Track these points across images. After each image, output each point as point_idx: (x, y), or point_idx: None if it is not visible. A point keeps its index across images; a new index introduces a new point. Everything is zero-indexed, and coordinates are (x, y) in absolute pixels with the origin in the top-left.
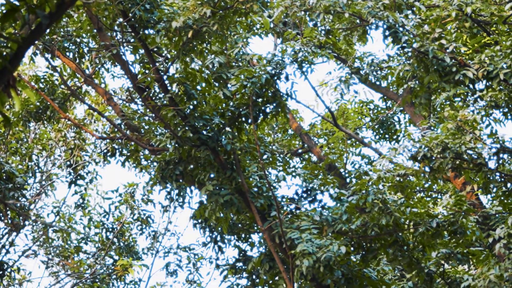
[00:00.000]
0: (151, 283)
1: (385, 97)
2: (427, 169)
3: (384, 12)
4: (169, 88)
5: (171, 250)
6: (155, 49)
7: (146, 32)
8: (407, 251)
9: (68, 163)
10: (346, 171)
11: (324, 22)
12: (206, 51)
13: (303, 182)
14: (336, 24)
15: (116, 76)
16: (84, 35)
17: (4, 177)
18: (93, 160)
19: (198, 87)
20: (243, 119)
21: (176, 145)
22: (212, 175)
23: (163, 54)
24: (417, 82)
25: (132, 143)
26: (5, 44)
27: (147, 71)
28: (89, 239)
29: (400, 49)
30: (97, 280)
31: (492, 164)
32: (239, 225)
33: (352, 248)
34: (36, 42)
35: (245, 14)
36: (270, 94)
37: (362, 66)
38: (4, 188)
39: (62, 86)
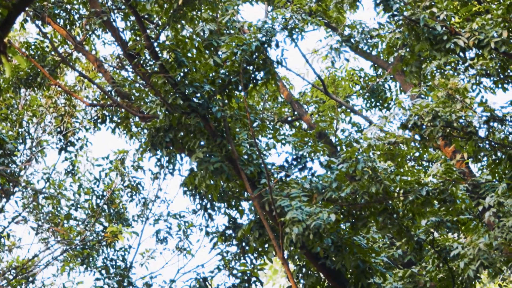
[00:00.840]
0: (141, 250)
1: (375, 65)
2: (417, 137)
3: None
4: (160, 55)
5: (161, 217)
6: (146, 16)
7: None
8: (396, 219)
9: (59, 129)
10: (337, 139)
11: None
12: (197, 18)
13: (293, 149)
14: None
15: (106, 43)
16: (74, 2)
17: None
18: (84, 126)
19: (189, 54)
20: (233, 86)
21: (166, 112)
22: (202, 143)
23: (154, 21)
24: (407, 50)
25: (123, 110)
26: None
27: (137, 38)
28: (79, 206)
29: (391, 17)
30: (86, 247)
31: (482, 133)
32: (229, 192)
33: (341, 216)
34: (27, 8)
35: None
36: (260, 62)
37: (352, 34)
38: None
39: (53, 53)
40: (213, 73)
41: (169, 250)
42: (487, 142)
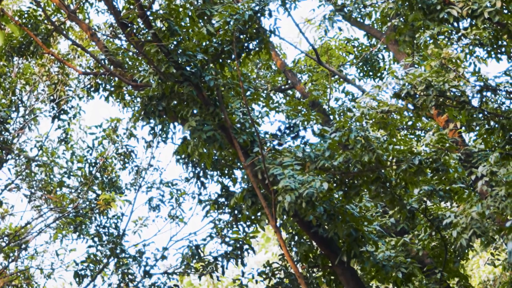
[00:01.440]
0: (133, 217)
1: (369, 35)
2: (410, 106)
3: None
4: (153, 24)
5: (153, 185)
6: None
7: None
8: (389, 188)
9: (52, 97)
10: (330, 108)
11: None
12: None
13: (286, 118)
14: None
15: (100, 11)
16: None
17: None
18: (77, 95)
19: (182, 23)
20: (226, 55)
21: (159, 81)
22: (195, 111)
23: None
24: (401, 20)
25: (116, 78)
26: None
27: (131, 7)
28: (71, 174)
29: None
30: (79, 214)
31: (475, 102)
32: (222, 161)
33: (334, 185)
34: None
35: None
36: (253, 31)
37: (346, 4)
38: None
39: (46, 22)
40: (206, 42)
41: (162, 218)
42: (480, 111)
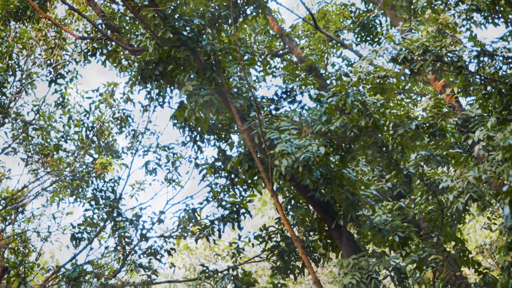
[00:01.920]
0: (130, 181)
1: (366, 0)
2: (407, 71)
3: None
4: None
5: (150, 149)
6: None
7: None
8: (386, 153)
9: (49, 62)
10: (327, 73)
11: None
12: None
13: (283, 83)
14: None
15: None
16: None
17: None
18: (74, 59)
19: None
20: (224, 20)
21: (156, 45)
22: (192, 76)
23: None
24: None
25: (113, 43)
26: None
27: None
28: (68, 138)
29: None
30: (76, 178)
31: (472, 67)
32: (219, 125)
33: (331, 149)
34: None
35: None
36: None
37: None
38: None
39: None
40: (203, 7)
41: (159, 181)
42: (477, 76)
